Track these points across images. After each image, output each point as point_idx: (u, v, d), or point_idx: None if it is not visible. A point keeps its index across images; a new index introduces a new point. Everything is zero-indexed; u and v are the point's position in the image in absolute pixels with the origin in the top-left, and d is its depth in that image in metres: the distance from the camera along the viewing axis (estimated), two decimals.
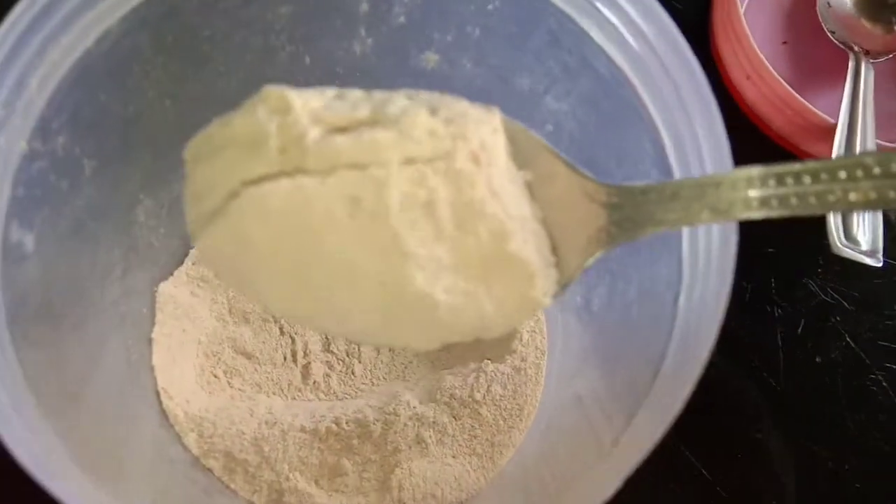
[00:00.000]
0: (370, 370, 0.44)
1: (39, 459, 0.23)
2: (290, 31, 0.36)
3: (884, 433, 0.46)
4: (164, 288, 0.42)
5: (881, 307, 0.49)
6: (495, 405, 0.40)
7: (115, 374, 0.37)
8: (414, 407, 0.40)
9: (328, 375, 0.43)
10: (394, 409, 0.40)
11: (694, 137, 0.28)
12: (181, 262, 0.43)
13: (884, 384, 0.47)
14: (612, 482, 0.23)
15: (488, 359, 0.42)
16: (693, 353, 0.24)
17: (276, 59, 0.37)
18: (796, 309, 0.49)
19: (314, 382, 0.43)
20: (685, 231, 0.29)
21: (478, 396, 0.40)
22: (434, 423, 0.40)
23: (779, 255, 0.50)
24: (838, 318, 0.49)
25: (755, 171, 0.23)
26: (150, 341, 0.40)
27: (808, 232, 0.45)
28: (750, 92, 0.51)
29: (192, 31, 0.34)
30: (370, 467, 0.39)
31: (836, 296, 0.49)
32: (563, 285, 0.27)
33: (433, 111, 0.24)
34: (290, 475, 0.38)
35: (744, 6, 0.55)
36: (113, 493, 0.28)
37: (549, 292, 0.27)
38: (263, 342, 0.43)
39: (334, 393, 0.43)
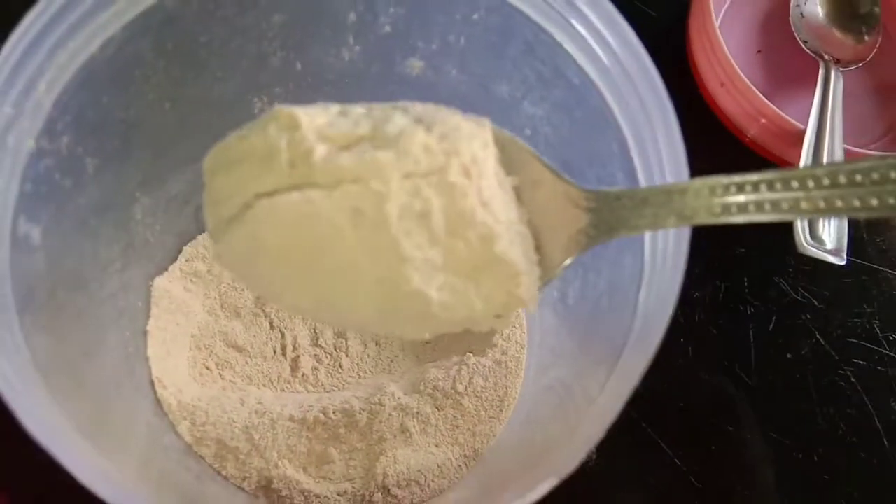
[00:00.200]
0: (357, 363, 0.45)
1: (49, 432, 0.25)
2: (283, 39, 0.37)
3: (852, 427, 0.47)
4: (159, 283, 0.43)
5: (850, 306, 0.51)
6: (477, 396, 0.41)
7: (113, 363, 0.38)
8: (398, 398, 0.41)
9: (316, 368, 0.44)
10: (379, 399, 0.40)
11: (655, 142, 0.30)
12: (175, 259, 0.44)
13: (852, 380, 0.49)
14: (576, 456, 0.25)
15: (470, 352, 0.43)
16: (649, 339, 0.26)
17: (269, 65, 0.39)
18: (768, 307, 0.50)
19: (303, 375, 0.44)
20: (649, 232, 0.31)
21: (460, 388, 0.41)
22: (418, 413, 0.41)
23: (751, 256, 0.51)
24: (808, 316, 0.50)
25: (718, 179, 0.25)
26: (145, 333, 0.41)
27: (780, 233, 0.46)
28: (724, 99, 0.52)
29: (191, 38, 0.35)
30: (356, 455, 0.40)
31: (806, 295, 0.51)
32: (545, 282, 0.29)
33: (428, 127, 0.26)
34: (279, 462, 0.39)
35: (720, 16, 0.57)
36: (116, 464, 0.29)
37: (533, 289, 0.29)
38: (254, 336, 0.44)
39: (322, 385, 0.44)
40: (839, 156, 0.48)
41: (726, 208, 0.25)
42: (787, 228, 0.46)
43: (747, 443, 0.47)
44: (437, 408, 0.41)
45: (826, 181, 0.24)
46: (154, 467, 0.36)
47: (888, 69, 0.57)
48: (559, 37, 0.33)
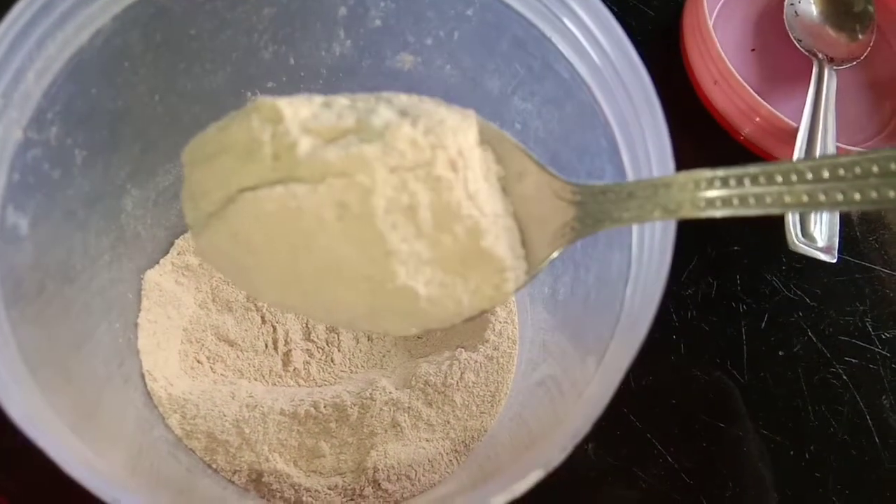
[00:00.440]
0: (349, 358, 0.45)
1: (37, 425, 0.25)
2: (273, 32, 0.37)
3: (842, 424, 0.48)
4: (150, 275, 0.43)
5: (841, 304, 0.51)
6: (468, 392, 0.41)
7: (103, 355, 0.37)
8: (390, 392, 0.41)
9: (308, 363, 0.44)
10: (370, 394, 0.40)
11: (642, 137, 0.30)
12: (167, 252, 0.44)
13: (843, 377, 0.49)
14: (564, 448, 0.25)
15: (462, 347, 0.43)
16: (635, 333, 0.26)
17: (260, 58, 0.39)
18: (760, 305, 0.50)
19: (294, 369, 0.44)
20: (635, 227, 0.31)
21: (451, 383, 0.41)
22: (409, 408, 0.41)
23: (744, 254, 0.52)
24: (800, 314, 0.50)
25: (703, 173, 0.25)
26: (136, 326, 0.41)
27: (773, 231, 0.46)
28: (718, 97, 0.52)
29: (181, 30, 0.35)
30: (347, 449, 0.40)
31: (798, 292, 0.51)
32: (531, 276, 0.29)
33: (414, 121, 0.26)
34: (270, 456, 0.39)
35: (714, 14, 0.57)
36: (105, 457, 0.29)
37: (519, 282, 0.28)
38: (246, 330, 0.44)
39: (314, 380, 0.44)
40: (832, 153, 0.48)
41: (710, 202, 0.25)
42: (778, 226, 0.46)
43: (739, 440, 0.47)
44: (428, 403, 0.41)
45: (809, 175, 0.24)
46: (144, 460, 0.36)
47: (882, 68, 0.57)
48: (549, 32, 0.33)
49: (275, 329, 0.44)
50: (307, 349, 0.44)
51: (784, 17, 0.55)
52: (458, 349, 0.43)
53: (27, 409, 0.26)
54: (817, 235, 0.45)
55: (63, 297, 0.34)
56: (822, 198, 0.24)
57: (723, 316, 0.50)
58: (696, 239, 0.51)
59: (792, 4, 0.55)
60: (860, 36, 0.55)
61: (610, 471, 0.45)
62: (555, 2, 0.32)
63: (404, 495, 0.39)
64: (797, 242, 0.44)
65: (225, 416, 0.40)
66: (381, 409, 0.40)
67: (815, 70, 0.52)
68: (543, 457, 0.25)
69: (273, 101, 0.26)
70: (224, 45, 0.37)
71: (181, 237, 0.45)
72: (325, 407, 0.40)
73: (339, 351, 0.44)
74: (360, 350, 0.45)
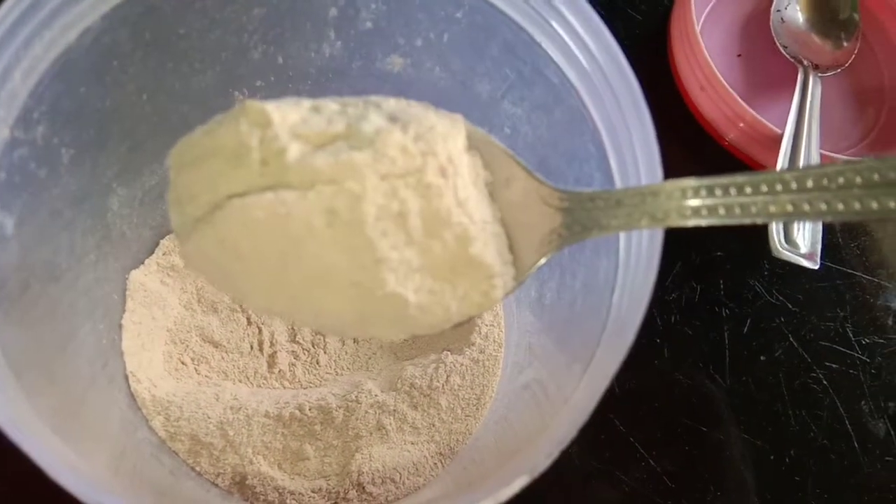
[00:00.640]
0: (335, 360, 0.44)
1: (18, 426, 0.24)
2: (263, 32, 0.37)
3: (822, 429, 0.48)
4: (135, 276, 0.43)
5: (823, 309, 0.51)
6: (454, 395, 0.41)
7: (87, 356, 0.37)
8: (375, 395, 0.41)
9: (293, 365, 0.44)
10: (356, 396, 0.40)
11: (630, 144, 0.30)
12: (152, 252, 0.44)
13: (824, 382, 0.49)
14: (549, 455, 0.25)
15: (448, 350, 0.43)
16: (622, 340, 0.26)
17: (249, 58, 0.38)
18: (743, 310, 0.51)
19: (279, 371, 0.43)
20: (622, 233, 0.31)
21: (437, 386, 0.41)
22: (394, 411, 0.41)
23: (727, 259, 0.52)
24: (782, 319, 0.51)
25: (689, 182, 0.25)
26: (120, 327, 0.41)
27: (756, 237, 0.47)
28: (704, 103, 0.53)
29: (170, 29, 0.35)
30: (332, 452, 0.40)
31: (780, 298, 0.51)
32: (518, 282, 0.29)
33: (404, 127, 0.26)
34: (254, 459, 0.39)
35: (701, 19, 0.57)
36: (88, 458, 0.29)
37: (507, 289, 0.29)
38: (231, 331, 0.44)
39: (299, 382, 0.43)
40: (816, 161, 0.49)
41: (696, 211, 0.25)
42: (762, 232, 0.46)
43: (721, 443, 0.47)
44: (413, 406, 0.41)
45: (794, 185, 0.24)
46: (127, 462, 0.36)
47: (866, 75, 0.58)
48: (538, 36, 0.33)
49: (260, 330, 0.44)
50: (293, 351, 0.44)
51: (770, 23, 0.56)
52: (444, 352, 0.43)
53: (10, 412, 0.26)
54: (800, 242, 0.45)
55: (48, 297, 0.34)
56: (806, 208, 0.24)
57: (706, 321, 0.50)
58: (680, 244, 0.51)
59: (778, 11, 0.56)
60: (845, 43, 0.55)
61: (593, 473, 0.45)
62: (543, 4, 0.32)
63: (389, 499, 0.39)
64: (780, 249, 0.45)
65: (209, 418, 0.39)
66: (366, 412, 0.40)
67: (800, 77, 0.53)
68: (529, 463, 0.26)
69: (261, 105, 0.26)
70: (213, 45, 0.37)
71: (167, 237, 0.45)
72: (310, 409, 0.40)
73: (324, 353, 0.44)
74: (346, 352, 0.45)
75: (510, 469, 0.26)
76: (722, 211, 0.25)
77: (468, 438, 0.41)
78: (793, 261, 0.45)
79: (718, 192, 0.25)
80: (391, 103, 0.28)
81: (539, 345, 0.40)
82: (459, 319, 0.29)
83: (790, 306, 0.51)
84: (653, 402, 0.47)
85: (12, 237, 0.31)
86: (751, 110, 0.50)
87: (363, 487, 0.39)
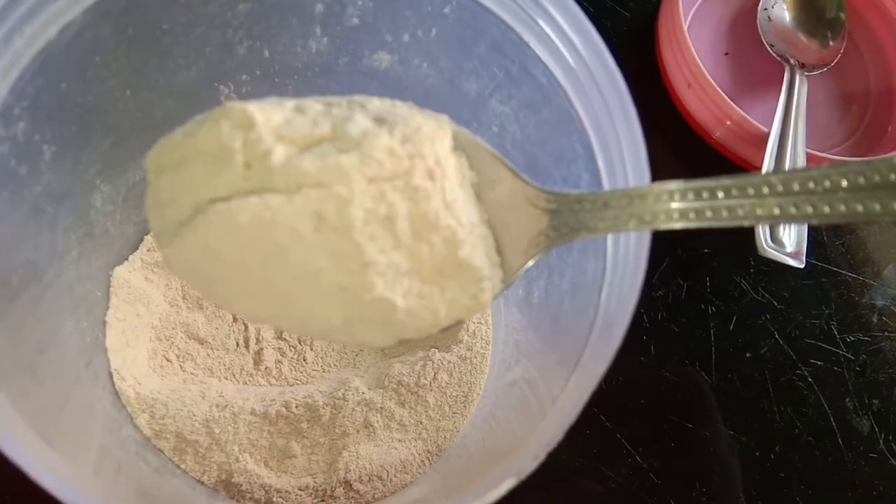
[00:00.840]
0: (321, 357, 0.44)
1: (0, 428, 0.24)
2: (249, 28, 0.37)
3: (807, 425, 0.49)
4: (119, 272, 0.42)
5: (808, 307, 0.52)
6: (441, 392, 0.41)
7: (70, 354, 0.37)
8: (362, 393, 0.41)
9: (280, 362, 0.43)
10: (343, 394, 0.40)
11: (618, 144, 0.30)
12: (136, 248, 0.44)
13: (809, 379, 0.50)
14: (536, 457, 0.25)
15: (435, 348, 0.43)
16: (609, 341, 0.26)
17: (235, 54, 0.38)
18: (729, 307, 0.51)
19: (266, 368, 0.43)
20: (610, 234, 0.31)
21: (424, 383, 0.41)
22: (382, 408, 0.40)
23: (714, 256, 0.52)
24: (768, 317, 0.51)
25: (676, 185, 0.25)
26: (104, 324, 0.40)
27: (742, 235, 0.46)
28: (691, 100, 0.53)
29: (153, 24, 0.35)
30: (318, 450, 0.40)
31: (766, 295, 0.52)
32: (507, 284, 0.29)
33: (391, 129, 0.25)
34: (240, 456, 0.39)
35: (689, 18, 0.57)
36: (71, 463, 0.28)
37: (496, 291, 0.28)
38: (216, 328, 0.43)
39: (285, 379, 0.43)
40: (801, 159, 0.49)
41: (683, 213, 0.25)
42: (748, 230, 0.46)
43: (706, 440, 0.47)
44: (400, 403, 0.41)
45: (780, 188, 0.24)
46: (111, 460, 0.36)
47: (852, 74, 0.58)
48: (526, 35, 0.33)
49: (246, 327, 0.44)
50: (279, 348, 0.44)
51: (757, 21, 0.56)
52: (432, 349, 0.43)
53: None
54: (786, 241, 0.46)
55: (29, 295, 0.34)
56: (792, 210, 0.24)
57: (692, 317, 0.50)
58: (667, 241, 0.51)
59: (765, 9, 0.56)
60: (831, 42, 0.55)
61: (579, 469, 0.45)
62: (530, 3, 0.32)
63: (376, 496, 0.39)
64: (766, 248, 0.45)
65: (194, 415, 0.39)
66: (353, 410, 0.40)
67: (786, 75, 0.53)
68: (516, 465, 0.26)
69: (243, 105, 0.25)
70: (198, 41, 0.36)
71: (151, 234, 0.44)
72: (296, 407, 0.40)
73: (311, 350, 0.44)
74: (333, 349, 0.45)
75: (497, 472, 0.26)
76: (709, 214, 0.25)
77: (455, 436, 0.41)
78: (779, 260, 0.45)
79: (705, 194, 0.25)
80: (376, 103, 0.27)
81: (526, 342, 0.40)
82: (448, 323, 0.28)
83: (776, 304, 0.51)
84: (639, 399, 0.48)
85: None
86: (737, 108, 0.50)
87: (350, 485, 0.39)
